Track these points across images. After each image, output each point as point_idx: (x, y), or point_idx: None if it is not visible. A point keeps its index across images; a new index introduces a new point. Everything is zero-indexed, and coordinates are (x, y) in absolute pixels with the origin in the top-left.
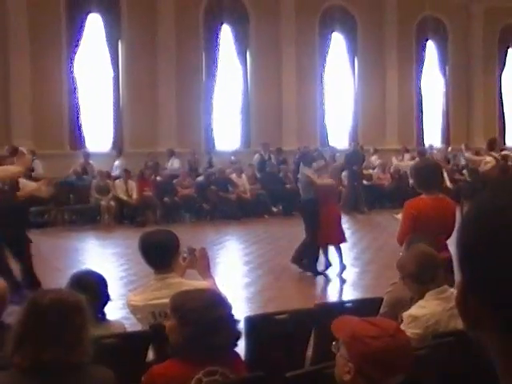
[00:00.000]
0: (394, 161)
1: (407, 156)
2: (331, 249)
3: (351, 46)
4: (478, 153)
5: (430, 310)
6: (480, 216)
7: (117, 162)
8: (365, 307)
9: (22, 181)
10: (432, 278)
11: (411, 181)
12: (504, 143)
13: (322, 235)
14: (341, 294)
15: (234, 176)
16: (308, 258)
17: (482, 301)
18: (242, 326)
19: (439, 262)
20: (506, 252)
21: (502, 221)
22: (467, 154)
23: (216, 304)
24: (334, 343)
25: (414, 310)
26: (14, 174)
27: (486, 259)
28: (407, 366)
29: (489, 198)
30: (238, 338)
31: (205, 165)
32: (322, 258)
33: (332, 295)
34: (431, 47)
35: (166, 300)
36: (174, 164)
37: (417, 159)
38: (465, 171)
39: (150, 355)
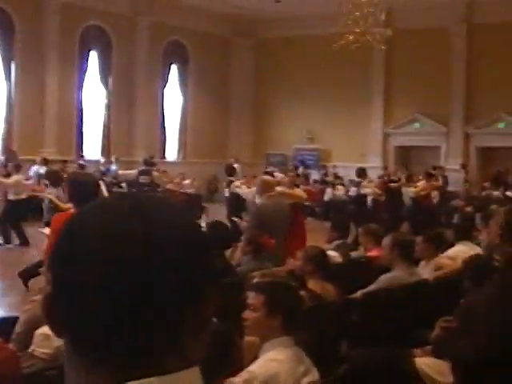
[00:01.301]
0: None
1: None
2: None
3: (5, 52)
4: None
5: None
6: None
7: None
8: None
9: None
10: None
11: None
12: (164, 157)
13: None
14: None
15: None
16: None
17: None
18: None
19: None
20: (67, 264)
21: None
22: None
23: None
24: None
25: (47, 328)
26: None
27: (58, 269)
28: None
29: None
30: None
31: None
32: None
33: None
34: (94, 57)
35: None
36: None
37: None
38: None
39: None
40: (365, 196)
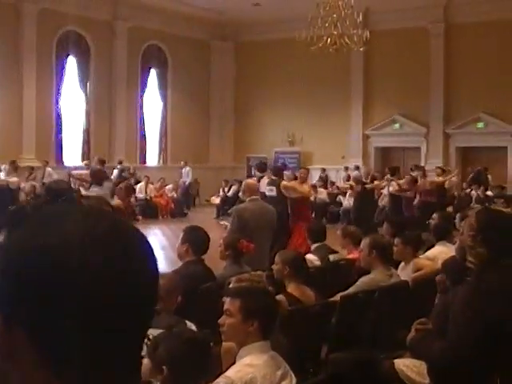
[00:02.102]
0: None
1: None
2: None
3: None
4: None
5: None
6: (22, 256)
7: None
8: None
9: None
10: None
11: None
12: (145, 161)
13: None
14: None
15: None
16: None
17: (26, 335)
18: None
19: None
20: (84, 291)
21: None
22: None
23: None
24: None
25: None
26: None
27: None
28: None
29: (27, 235)
30: None
31: None
32: None
33: None
34: (72, 63)
35: None
36: None
37: None
38: None
39: None
40: (397, 195)
